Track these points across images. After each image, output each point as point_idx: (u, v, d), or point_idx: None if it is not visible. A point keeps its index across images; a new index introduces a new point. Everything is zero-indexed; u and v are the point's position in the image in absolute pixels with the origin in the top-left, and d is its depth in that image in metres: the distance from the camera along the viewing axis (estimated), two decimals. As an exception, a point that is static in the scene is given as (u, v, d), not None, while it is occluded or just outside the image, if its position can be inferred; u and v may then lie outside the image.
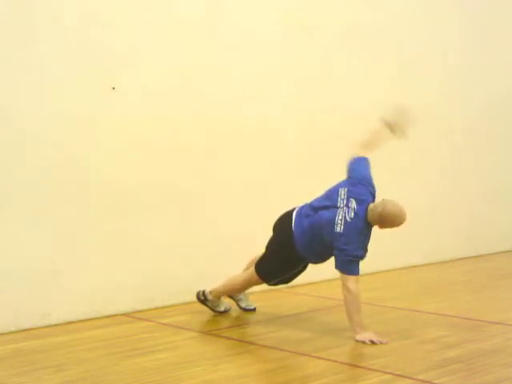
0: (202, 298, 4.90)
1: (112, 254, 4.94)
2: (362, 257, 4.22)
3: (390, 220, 4.21)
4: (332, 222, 4.25)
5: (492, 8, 7.73)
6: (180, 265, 5.26)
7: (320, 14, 6.19)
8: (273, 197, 5.77)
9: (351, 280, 4.16)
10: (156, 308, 5.10)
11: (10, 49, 4.51)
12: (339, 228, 4.22)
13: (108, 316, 4.87)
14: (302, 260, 4.56)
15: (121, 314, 4.93)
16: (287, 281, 4.77)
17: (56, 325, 4.65)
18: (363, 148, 4.54)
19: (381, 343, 4.05)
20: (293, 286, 5.18)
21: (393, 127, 4.46)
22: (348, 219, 4.22)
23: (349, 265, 4.19)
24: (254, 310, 5.00)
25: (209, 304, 4.90)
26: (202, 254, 5.35)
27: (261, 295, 5.28)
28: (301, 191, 5.89)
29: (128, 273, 5.01)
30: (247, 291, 5.00)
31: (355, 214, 4.23)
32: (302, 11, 6.06)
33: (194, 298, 4.97)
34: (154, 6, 5.14)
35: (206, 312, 4.94)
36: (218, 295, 4.89)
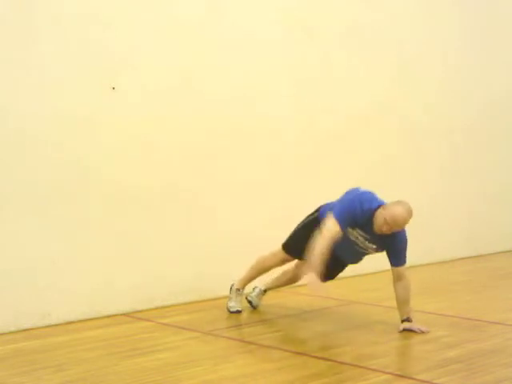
0: (231, 286, 5.01)
1: (112, 254, 4.94)
2: (336, 218, 4.28)
3: (390, 216, 4.20)
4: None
5: (492, 8, 7.73)
6: (180, 265, 5.25)
7: (320, 14, 6.19)
8: (273, 197, 5.78)
9: (331, 220, 4.26)
10: (156, 308, 5.10)
11: (10, 49, 4.51)
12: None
13: (108, 316, 4.87)
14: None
15: (121, 314, 4.93)
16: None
17: (56, 325, 4.65)
18: None
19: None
20: (293, 286, 5.17)
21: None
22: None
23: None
24: (255, 308, 5.02)
25: (230, 292, 4.98)
26: (202, 254, 5.35)
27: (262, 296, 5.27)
28: (301, 191, 5.92)
29: (128, 273, 5.01)
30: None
31: (362, 193, 4.37)
32: (302, 11, 6.06)
33: (194, 298, 4.97)
34: (154, 6, 5.14)
35: (205, 312, 4.94)
36: (244, 283, 4.96)
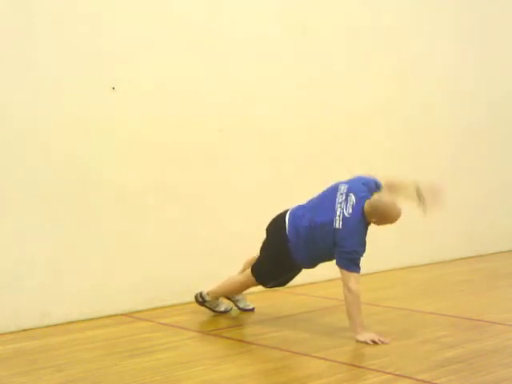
0: (200, 300, 4.89)
1: (112, 254, 4.94)
2: (361, 253, 4.22)
3: (383, 214, 4.20)
4: (330, 221, 4.26)
5: (492, 8, 7.72)
6: (180, 265, 5.25)
7: (320, 14, 6.19)
8: (273, 197, 5.77)
9: (352, 279, 4.16)
10: (156, 308, 5.10)
11: (10, 49, 4.51)
12: (338, 224, 4.23)
13: (108, 316, 4.87)
14: (296, 265, 4.57)
15: (121, 314, 4.93)
16: (284, 283, 4.79)
17: (56, 325, 4.65)
18: (385, 185, 4.49)
19: (383, 343, 4.05)
20: (292, 286, 5.17)
21: (420, 198, 4.41)
22: (346, 215, 4.23)
23: (349, 261, 4.19)
24: (253, 309, 5.00)
25: (207, 305, 4.90)
26: (202, 254, 5.35)
27: (260, 295, 5.27)
28: (302, 191, 5.89)
29: (128, 273, 5.01)
30: (245, 292, 4.99)
31: (353, 209, 4.23)
32: (302, 12, 6.06)
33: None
34: (154, 6, 5.14)
35: (205, 312, 4.93)
36: (216, 296, 4.88)
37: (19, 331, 4.50)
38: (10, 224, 4.53)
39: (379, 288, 5.58)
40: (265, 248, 4.66)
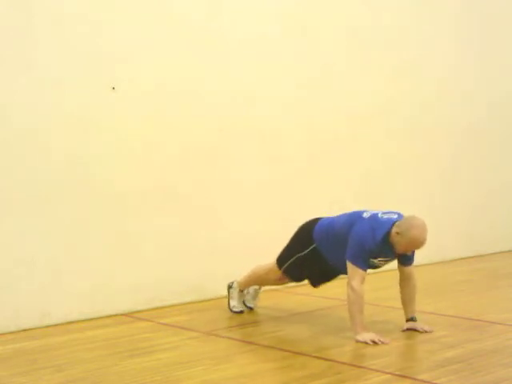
0: (230, 285, 4.95)
1: (112, 253, 4.94)
2: (362, 268, 4.15)
3: (410, 242, 4.11)
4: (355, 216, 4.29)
5: (492, 8, 7.72)
6: (180, 265, 5.25)
7: (320, 14, 6.19)
8: (274, 197, 5.78)
9: (357, 278, 4.13)
10: (156, 308, 5.10)
11: (10, 49, 4.51)
12: (365, 214, 4.25)
13: (108, 316, 4.87)
14: (314, 248, 4.52)
15: (121, 314, 4.93)
16: (305, 276, 4.73)
17: (56, 325, 4.65)
18: None
19: (383, 343, 4.04)
20: (293, 286, 5.17)
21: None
22: (360, 221, 4.20)
23: (355, 259, 4.16)
24: (252, 308, 5.01)
25: (230, 291, 4.93)
26: (202, 254, 5.35)
27: (261, 295, 5.26)
28: (302, 191, 5.93)
29: (128, 273, 5.01)
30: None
31: (369, 220, 4.19)
32: (302, 12, 6.06)
33: (194, 298, 4.96)
34: (154, 6, 5.14)
35: (205, 312, 4.94)
36: (244, 286, 4.91)
37: (19, 331, 4.50)
38: (10, 224, 4.53)
39: (379, 288, 5.58)
40: (292, 252, 4.65)
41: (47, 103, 4.65)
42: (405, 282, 4.37)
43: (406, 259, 4.35)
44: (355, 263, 4.15)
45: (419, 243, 4.12)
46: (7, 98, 4.51)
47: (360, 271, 4.14)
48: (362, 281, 4.15)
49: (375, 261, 4.26)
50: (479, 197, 7.57)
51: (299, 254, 4.56)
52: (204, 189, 5.40)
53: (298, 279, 4.77)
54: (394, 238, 4.12)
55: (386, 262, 4.36)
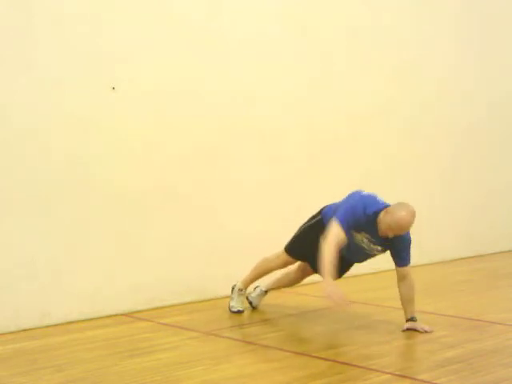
0: (233, 286, 4.99)
1: (112, 253, 4.94)
2: (342, 227, 4.23)
3: (394, 221, 4.16)
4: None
5: (492, 8, 7.72)
6: (180, 265, 5.25)
7: (320, 14, 6.19)
8: (274, 197, 5.78)
9: (332, 233, 4.21)
10: (156, 308, 5.10)
11: (10, 49, 4.51)
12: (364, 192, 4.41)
13: (108, 316, 4.87)
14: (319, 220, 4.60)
15: (121, 314, 4.93)
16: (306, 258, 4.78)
17: (56, 325, 4.65)
18: None
19: (341, 306, 4.12)
20: (294, 286, 5.17)
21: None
22: (357, 193, 4.38)
23: (340, 217, 4.26)
24: (254, 306, 5.02)
25: (232, 292, 4.96)
26: (201, 254, 5.35)
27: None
28: (302, 191, 5.93)
29: (128, 273, 5.01)
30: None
31: (367, 196, 4.33)
32: (302, 12, 6.06)
33: (194, 298, 4.96)
34: (154, 6, 5.14)
35: (205, 312, 4.94)
36: (249, 282, 4.94)
37: (19, 331, 4.50)
38: (10, 224, 4.53)
39: (379, 288, 5.58)
40: (298, 231, 4.78)
41: (47, 103, 4.66)
42: (401, 283, 4.39)
43: (399, 259, 4.37)
44: (338, 220, 4.24)
45: (402, 225, 4.16)
46: (7, 98, 4.51)
47: (339, 229, 4.21)
48: (337, 240, 4.20)
49: (358, 236, 4.31)
50: (479, 197, 7.57)
51: (304, 226, 4.70)
52: (204, 189, 5.40)
53: (299, 256, 4.78)
54: (382, 218, 4.20)
55: (371, 249, 4.39)
